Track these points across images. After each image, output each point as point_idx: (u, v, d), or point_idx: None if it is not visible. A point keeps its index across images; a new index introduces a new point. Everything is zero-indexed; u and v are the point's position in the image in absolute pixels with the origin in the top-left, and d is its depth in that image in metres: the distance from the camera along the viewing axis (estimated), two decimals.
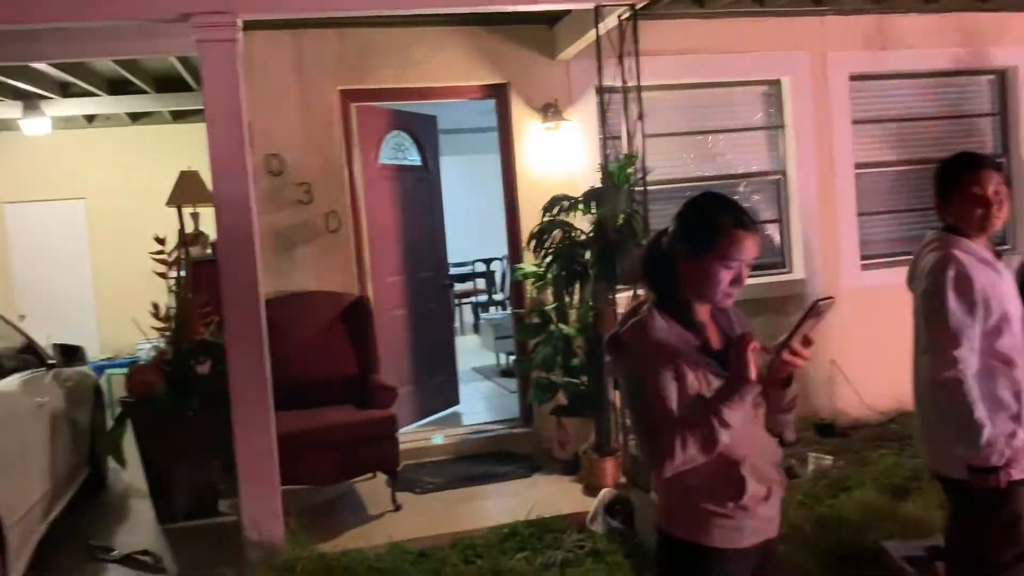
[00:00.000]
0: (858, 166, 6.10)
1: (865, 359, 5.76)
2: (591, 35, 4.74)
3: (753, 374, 1.86)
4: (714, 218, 1.93)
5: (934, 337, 2.50)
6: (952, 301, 2.45)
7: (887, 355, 5.71)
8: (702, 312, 2.01)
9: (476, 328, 10.39)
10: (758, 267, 5.65)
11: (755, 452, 1.97)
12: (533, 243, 5.08)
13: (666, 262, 1.99)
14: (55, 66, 6.20)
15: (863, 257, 6.08)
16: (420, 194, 6.39)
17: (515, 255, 5.75)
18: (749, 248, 1.93)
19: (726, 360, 1.92)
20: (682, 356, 1.92)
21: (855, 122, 6.08)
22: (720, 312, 2.05)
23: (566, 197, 5.05)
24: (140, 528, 4.86)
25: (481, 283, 11.15)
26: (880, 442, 5.20)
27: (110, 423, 5.35)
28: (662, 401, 1.87)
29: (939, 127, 6.26)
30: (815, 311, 1.87)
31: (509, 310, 6.96)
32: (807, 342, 1.89)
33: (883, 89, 6.23)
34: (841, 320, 5.72)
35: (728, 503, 1.93)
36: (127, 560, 4.33)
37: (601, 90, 4.82)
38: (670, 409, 1.87)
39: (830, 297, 1.92)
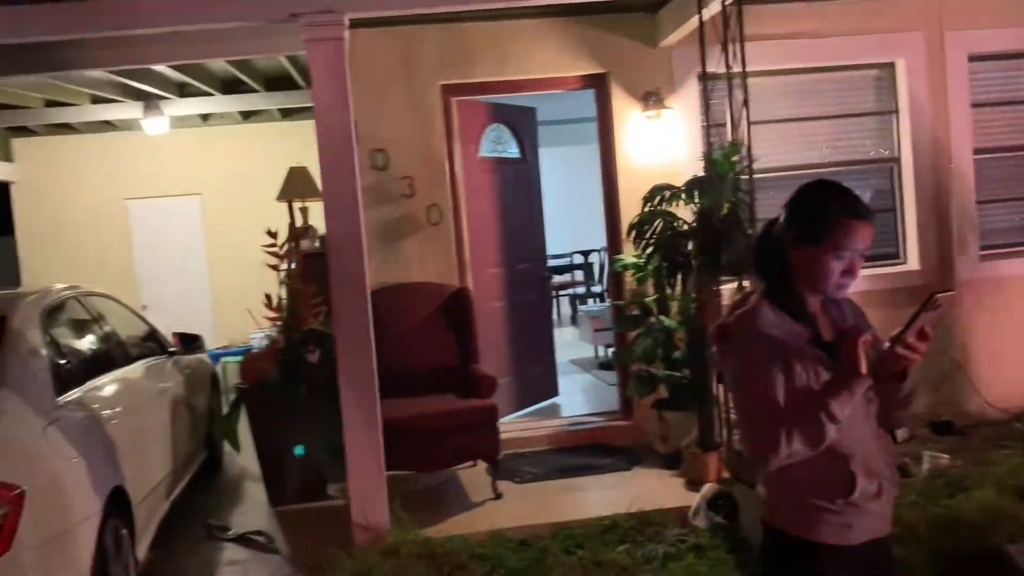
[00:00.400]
0: (977, 151, 5.79)
1: (987, 354, 5.48)
2: (694, 21, 4.66)
3: (864, 368, 1.80)
4: (826, 206, 1.88)
5: None
6: None
7: (1011, 349, 5.48)
8: (813, 303, 1.95)
9: (574, 320, 10.38)
10: (870, 258, 5.44)
11: (866, 448, 1.90)
12: (633, 234, 5.03)
13: (776, 252, 1.95)
14: (173, 67, 6.50)
15: (983, 247, 5.77)
16: (519, 186, 6.42)
17: (614, 246, 5.71)
18: (862, 237, 1.86)
19: (837, 353, 1.86)
20: (791, 348, 1.87)
21: (974, 105, 5.78)
22: (832, 303, 1.99)
23: (668, 187, 4.99)
24: (253, 509, 5.08)
25: (579, 275, 11.13)
26: (1003, 441, 4.93)
27: (225, 409, 5.60)
28: (768, 393, 1.84)
29: None
30: (932, 304, 1.79)
31: (608, 302, 6.93)
32: (923, 336, 1.82)
33: (1006, 69, 5.90)
34: (960, 313, 5.48)
35: (837, 499, 1.88)
36: (242, 539, 4.54)
37: (704, 77, 4.73)
38: (776, 401, 1.84)
39: (949, 290, 1.84)
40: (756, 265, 2.02)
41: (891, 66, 5.78)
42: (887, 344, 1.85)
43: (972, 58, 5.73)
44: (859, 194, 1.93)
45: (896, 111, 5.80)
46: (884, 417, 1.96)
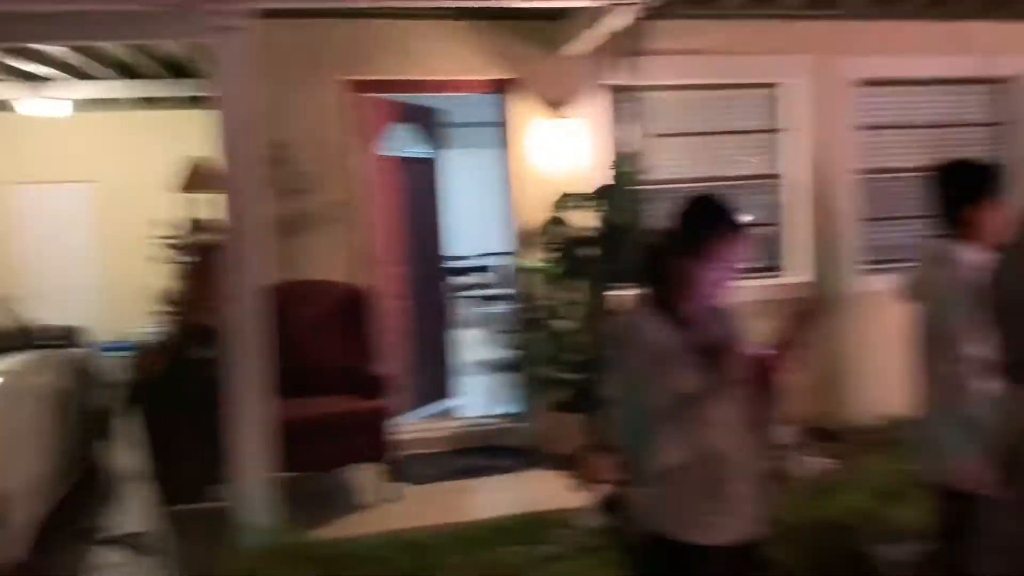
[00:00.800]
0: (862, 172, 6.08)
1: (864, 363, 5.75)
2: (600, 33, 4.75)
3: (737, 374, 1.88)
4: (703, 218, 1.97)
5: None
6: None
7: (885, 359, 5.74)
8: (691, 311, 2.03)
9: (476, 322, 10.39)
10: (753, 269, 5.65)
11: (738, 451, 1.99)
12: (537, 238, 5.09)
13: (660, 261, 2.02)
14: (73, 49, 6.22)
15: (863, 262, 6.06)
16: (423, 186, 6.40)
17: (518, 250, 5.76)
18: (737, 250, 1.96)
19: (712, 359, 1.94)
20: (671, 354, 1.94)
21: (863, 127, 6.07)
22: (711, 312, 2.07)
23: (572, 194, 5.06)
24: (138, 510, 4.90)
25: (484, 276, 11.15)
26: (878, 446, 5.18)
27: (112, 406, 5.39)
28: (650, 397, 1.90)
29: (939, 135, 6.22)
30: (801, 313, 1.89)
31: (510, 305, 6.97)
32: (793, 343, 1.91)
33: (892, 95, 6.23)
34: (840, 324, 5.73)
35: (708, 500, 1.96)
36: (124, 541, 4.38)
37: (608, 88, 4.83)
38: (655, 405, 1.90)
39: (818, 300, 1.95)
40: (640, 273, 2.09)
41: (780, 87, 6.03)
42: (760, 351, 1.94)
43: (860, 82, 6.02)
44: (745, 208, 2.02)
45: (783, 130, 6.05)
46: (757, 421, 2.05)
